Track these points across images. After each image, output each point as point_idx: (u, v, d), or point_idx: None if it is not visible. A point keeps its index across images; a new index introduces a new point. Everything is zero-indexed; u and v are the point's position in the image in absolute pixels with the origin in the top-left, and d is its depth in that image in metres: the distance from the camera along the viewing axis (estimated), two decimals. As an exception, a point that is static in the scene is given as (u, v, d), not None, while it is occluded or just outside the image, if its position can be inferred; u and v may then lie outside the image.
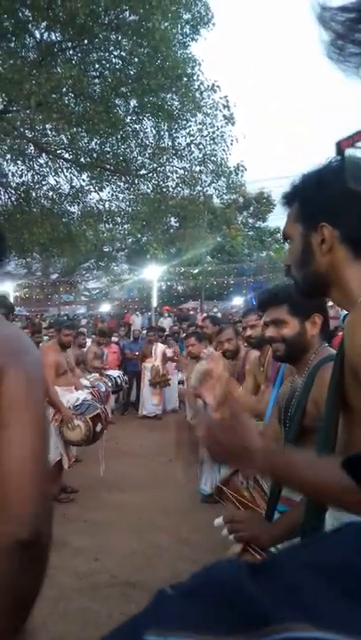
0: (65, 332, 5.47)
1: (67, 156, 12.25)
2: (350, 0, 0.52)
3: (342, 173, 0.96)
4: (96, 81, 11.44)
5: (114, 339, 10.81)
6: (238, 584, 0.33)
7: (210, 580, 0.35)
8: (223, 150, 12.15)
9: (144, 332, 11.76)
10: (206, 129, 11.95)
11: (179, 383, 9.57)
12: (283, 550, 1.07)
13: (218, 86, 11.50)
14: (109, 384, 7.62)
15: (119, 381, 8.52)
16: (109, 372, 8.46)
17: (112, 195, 13.34)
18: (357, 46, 0.52)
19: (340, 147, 0.88)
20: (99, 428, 5.07)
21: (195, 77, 11.52)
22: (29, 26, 10.60)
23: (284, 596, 0.32)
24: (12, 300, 21.23)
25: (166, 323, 15.92)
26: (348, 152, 0.76)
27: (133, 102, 11.64)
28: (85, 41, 10.54)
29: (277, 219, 29.79)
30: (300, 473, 1.04)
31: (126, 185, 13.19)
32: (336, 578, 0.33)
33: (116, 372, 8.73)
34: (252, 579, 0.34)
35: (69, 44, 10.91)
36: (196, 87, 11.50)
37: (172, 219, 15.36)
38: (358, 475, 0.65)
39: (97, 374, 7.52)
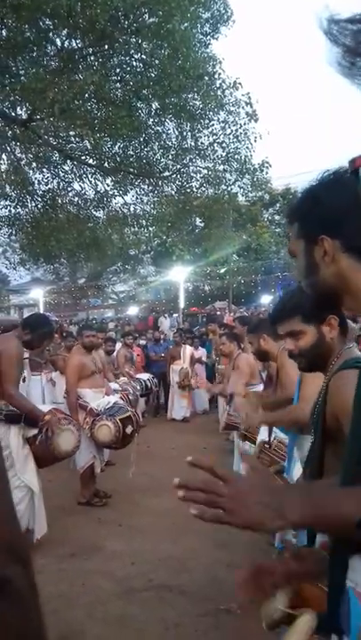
0: (86, 333, 5.49)
1: (91, 161, 12.36)
2: (359, 12, 0.50)
3: (341, 188, 1.05)
4: (117, 85, 11.49)
5: (142, 342, 10.80)
6: None
7: None
8: (247, 148, 12.04)
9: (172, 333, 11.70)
10: (229, 127, 11.87)
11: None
12: None
13: (240, 83, 11.42)
14: (138, 387, 7.62)
15: (149, 384, 8.51)
16: (139, 376, 8.46)
17: (136, 198, 13.42)
18: None
19: (353, 164, 0.93)
20: (129, 429, 5.05)
21: (216, 76, 11.44)
22: (50, 34, 10.72)
23: None
24: (41, 305, 21.64)
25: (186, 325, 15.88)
26: None
27: (155, 104, 11.64)
28: (106, 46, 10.59)
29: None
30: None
31: (150, 187, 13.23)
32: None
33: (145, 375, 8.72)
34: None
35: (90, 50, 10.97)
36: (218, 85, 11.43)
37: (197, 219, 15.29)
38: None
39: (125, 379, 7.54)
